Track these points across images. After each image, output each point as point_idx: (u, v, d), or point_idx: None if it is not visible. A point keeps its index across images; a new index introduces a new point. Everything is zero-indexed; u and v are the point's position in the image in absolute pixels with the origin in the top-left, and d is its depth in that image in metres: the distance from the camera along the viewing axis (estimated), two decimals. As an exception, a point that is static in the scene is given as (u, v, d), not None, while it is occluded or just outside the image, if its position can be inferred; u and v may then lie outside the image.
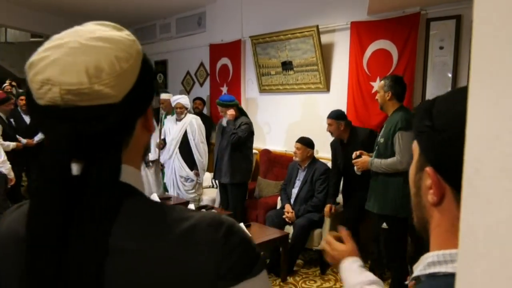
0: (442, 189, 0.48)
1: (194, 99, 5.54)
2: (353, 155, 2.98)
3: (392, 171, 2.75)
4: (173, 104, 4.50)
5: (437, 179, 0.48)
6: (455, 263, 0.45)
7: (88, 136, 0.49)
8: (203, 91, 5.89)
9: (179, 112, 4.43)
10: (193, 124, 4.42)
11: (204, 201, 4.59)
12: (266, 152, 4.85)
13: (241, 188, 4.04)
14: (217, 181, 4.41)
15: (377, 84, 3.85)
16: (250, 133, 4.00)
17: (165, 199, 4.25)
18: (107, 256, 0.47)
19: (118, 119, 0.50)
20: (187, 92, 6.13)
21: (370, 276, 0.92)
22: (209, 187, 5.00)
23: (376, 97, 2.91)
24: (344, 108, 4.04)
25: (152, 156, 5.25)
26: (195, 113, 4.88)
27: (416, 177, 0.53)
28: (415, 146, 0.53)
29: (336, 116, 3.47)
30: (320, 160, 3.84)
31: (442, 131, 0.47)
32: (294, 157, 3.75)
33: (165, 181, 4.75)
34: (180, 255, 0.47)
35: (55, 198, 0.46)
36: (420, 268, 0.50)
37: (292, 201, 3.75)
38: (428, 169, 0.49)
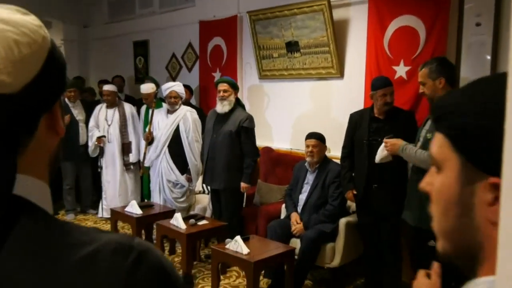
0: None
1: None
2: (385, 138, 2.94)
3: (424, 167, 2.69)
4: (165, 93, 4.41)
5: None
6: None
7: None
8: (192, 77, 5.86)
9: (173, 102, 4.38)
10: (187, 118, 4.38)
11: (195, 210, 4.57)
12: (267, 151, 4.83)
13: (236, 194, 4.01)
14: (208, 187, 4.38)
15: (401, 69, 3.81)
16: (254, 127, 4.02)
17: (146, 207, 4.21)
18: None
19: (14, 111, 0.50)
20: (173, 78, 6.09)
21: None
22: (199, 192, 4.97)
23: (421, 91, 2.85)
24: (361, 98, 4.01)
25: (133, 157, 5.20)
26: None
27: (464, 192, 0.50)
28: (446, 153, 0.50)
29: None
30: (333, 160, 3.82)
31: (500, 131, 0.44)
32: (308, 157, 3.71)
33: (150, 185, 4.70)
34: (77, 287, 0.47)
35: None
36: None
37: (299, 209, 3.73)
38: (494, 179, 0.46)
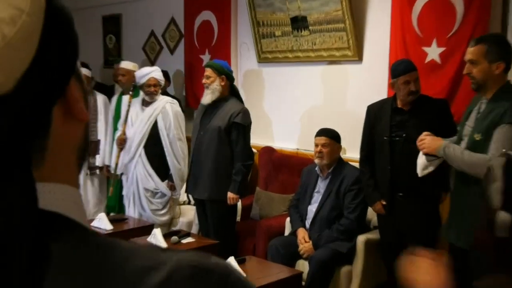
0: None
1: None
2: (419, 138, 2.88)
3: (472, 173, 2.62)
4: (141, 80, 4.37)
5: None
6: None
7: None
8: (175, 61, 5.86)
9: (153, 91, 4.37)
10: (167, 111, 4.37)
11: (179, 225, 4.58)
12: (268, 151, 4.84)
13: (226, 206, 4.00)
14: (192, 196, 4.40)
15: (433, 51, 3.81)
16: (250, 124, 4.02)
17: (117, 221, 4.22)
18: None
19: (14, 116, 0.45)
20: (151, 62, 6.10)
21: None
22: (184, 203, 4.98)
23: (467, 71, 2.78)
24: (384, 86, 4.02)
25: (100, 160, 5.19)
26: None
27: None
28: None
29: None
30: (349, 163, 3.84)
31: None
32: (317, 159, 3.73)
33: (123, 193, 4.70)
34: None
35: None
36: None
37: (307, 223, 3.74)
38: None
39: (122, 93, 5.02)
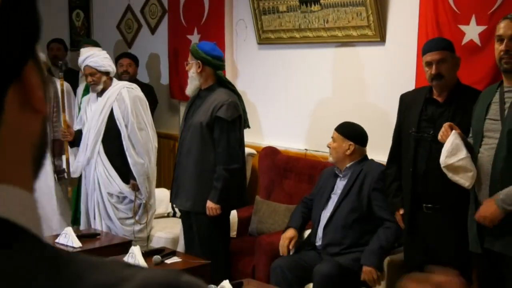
0: None
1: (118, 57, 5.48)
2: (441, 133, 2.92)
3: None
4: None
5: None
6: None
7: None
8: (157, 42, 5.88)
9: (91, 82, 4.40)
10: (123, 98, 4.37)
11: (154, 241, 4.54)
12: (269, 153, 4.85)
13: (216, 219, 4.00)
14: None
15: (472, 30, 3.81)
16: (238, 120, 4.02)
17: (87, 237, 4.21)
18: None
19: None
20: (128, 43, 6.08)
21: None
22: (167, 215, 4.96)
23: (506, 48, 2.83)
24: (411, 72, 4.02)
25: (64, 162, 5.19)
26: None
27: None
28: None
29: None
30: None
31: None
32: (329, 157, 3.82)
33: (81, 203, 4.69)
34: None
35: None
36: None
37: (320, 230, 3.75)
38: None
39: (86, 88, 5.03)
